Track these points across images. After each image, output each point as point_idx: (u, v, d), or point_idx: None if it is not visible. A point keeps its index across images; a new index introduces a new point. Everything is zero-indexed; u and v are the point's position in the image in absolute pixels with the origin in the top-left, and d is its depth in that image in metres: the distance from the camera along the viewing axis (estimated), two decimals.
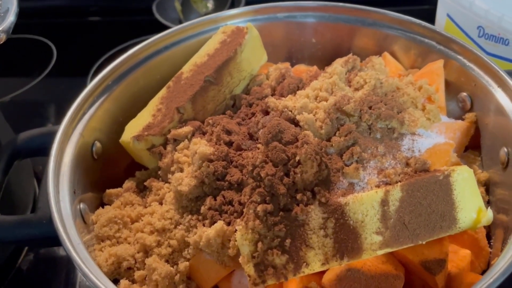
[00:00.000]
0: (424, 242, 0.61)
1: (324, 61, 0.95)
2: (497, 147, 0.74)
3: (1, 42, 0.74)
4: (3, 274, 0.93)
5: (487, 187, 0.76)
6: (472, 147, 0.81)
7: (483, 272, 0.69)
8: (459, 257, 0.66)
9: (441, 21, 1.08)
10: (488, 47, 0.98)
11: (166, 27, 0.91)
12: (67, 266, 0.94)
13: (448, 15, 1.05)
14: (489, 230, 0.72)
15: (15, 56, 1.44)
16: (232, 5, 1.45)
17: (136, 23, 1.54)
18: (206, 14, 1.11)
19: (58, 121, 0.77)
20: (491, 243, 0.71)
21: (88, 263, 0.59)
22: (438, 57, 0.85)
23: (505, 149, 0.72)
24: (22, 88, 1.34)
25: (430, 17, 1.09)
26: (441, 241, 0.63)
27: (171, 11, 1.52)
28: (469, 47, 0.82)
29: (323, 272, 0.63)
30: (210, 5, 1.46)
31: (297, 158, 0.61)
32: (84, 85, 0.81)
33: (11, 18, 0.74)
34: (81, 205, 0.71)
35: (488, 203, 0.75)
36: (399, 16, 0.90)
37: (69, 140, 0.74)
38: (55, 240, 0.63)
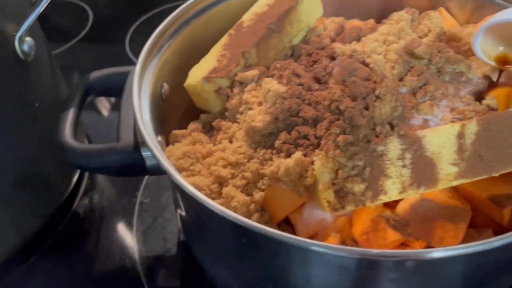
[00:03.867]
0: (497, 174, 0.63)
1: (375, 18, 0.96)
2: None
3: None
4: (60, 217, 0.96)
5: None
6: None
7: None
8: None
9: None
10: None
11: None
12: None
13: None
14: None
15: (52, 19, 1.45)
16: None
17: None
18: None
19: None
20: None
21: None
22: (494, 10, 0.85)
23: None
24: (57, 49, 1.36)
25: None
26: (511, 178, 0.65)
27: None
28: None
29: (394, 206, 0.65)
30: None
31: (377, 92, 0.63)
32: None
33: None
34: (159, 138, 0.73)
35: None
36: None
37: (143, 80, 0.76)
38: (139, 168, 0.66)
